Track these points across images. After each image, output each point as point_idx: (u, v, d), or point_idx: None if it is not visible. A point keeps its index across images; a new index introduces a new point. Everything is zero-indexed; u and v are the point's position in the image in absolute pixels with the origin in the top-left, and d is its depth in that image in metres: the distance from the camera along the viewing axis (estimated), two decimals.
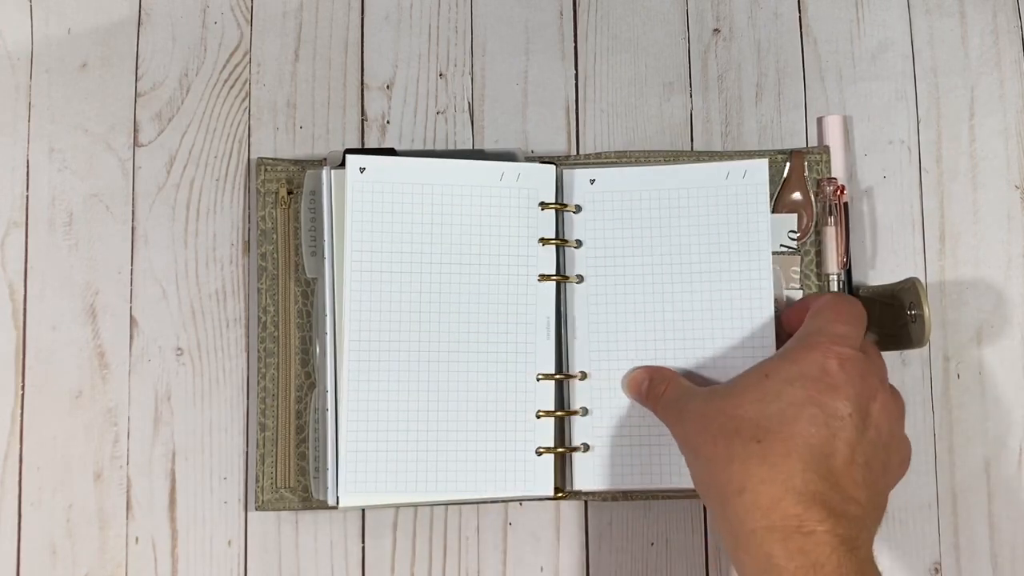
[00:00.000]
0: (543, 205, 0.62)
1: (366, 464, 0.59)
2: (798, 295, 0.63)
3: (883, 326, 0.61)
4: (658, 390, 0.58)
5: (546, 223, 0.62)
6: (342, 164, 0.61)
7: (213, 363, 0.64)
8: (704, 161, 0.64)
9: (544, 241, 0.62)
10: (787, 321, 0.60)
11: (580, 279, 0.62)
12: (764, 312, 0.61)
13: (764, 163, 0.62)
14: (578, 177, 0.63)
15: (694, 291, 0.61)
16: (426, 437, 0.60)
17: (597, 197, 0.62)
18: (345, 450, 0.59)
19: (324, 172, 0.61)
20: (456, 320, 0.61)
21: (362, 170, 0.61)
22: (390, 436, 0.60)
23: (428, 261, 0.61)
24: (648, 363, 0.61)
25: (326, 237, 0.61)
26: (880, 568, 0.63)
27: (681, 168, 0.62)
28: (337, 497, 0.59)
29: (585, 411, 0.61)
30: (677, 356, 0.61)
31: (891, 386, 0.55)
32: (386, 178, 0.61)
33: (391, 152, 0.62)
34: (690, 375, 0.60)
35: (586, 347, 0.61)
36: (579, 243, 0.62)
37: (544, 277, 0.62)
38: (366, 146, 0.66)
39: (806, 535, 0.48)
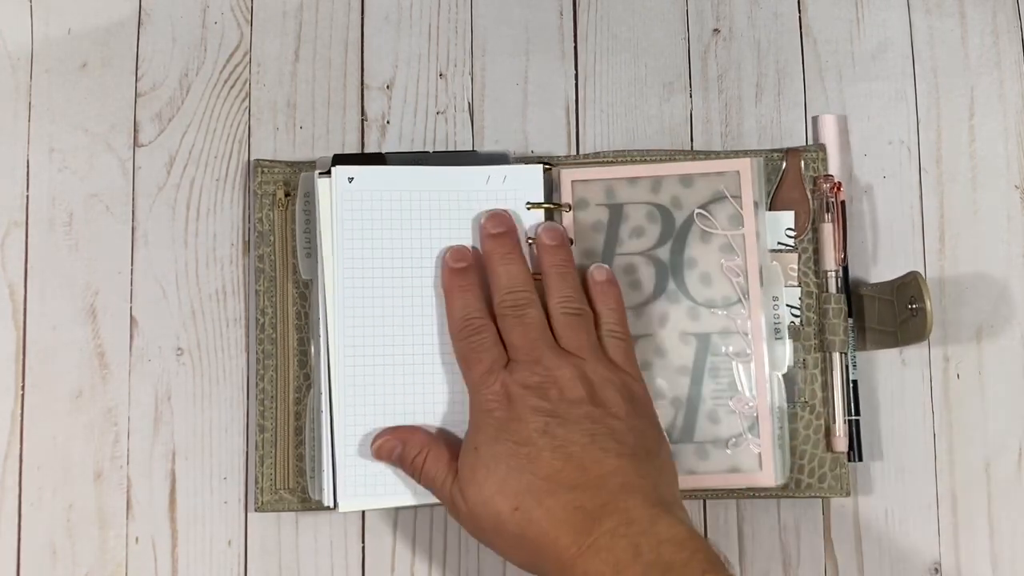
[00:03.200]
0: (531, 205, 0.62)
1: (364, 468, 0.59)
2: (795, 292, 0.63)
3: (884, 323, 0.61)
4: (417, 462, 0.57)
5: (535, 223, 0.62)
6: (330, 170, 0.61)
7: (213, 363, 0.64)
8: (701, 160, 0.64)
9: (534, 241, 0.62)
10: None
11: None
12: None
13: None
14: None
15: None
16: None
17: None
18: (343, 455, 0.59)
19: (314, 178, 0.61)
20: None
21: (350, 180, 0.61)
22: None
23: (420, 266, 0.61)
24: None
25: (318, 240, 0.61)
26: (880, 568, 0.63)
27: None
28: (336, 502, 0.59)
29: None
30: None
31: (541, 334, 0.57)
32: (374, 187, 0.61)
33: (379, 157, 0.63)
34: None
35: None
36: (571, 242, 0.62)
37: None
38: (366, 146, 0.66)
39: (594, 550, 0.50)
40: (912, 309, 0.59)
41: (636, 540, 0.50)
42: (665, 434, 0.58)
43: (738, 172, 0.63)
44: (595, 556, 0.50)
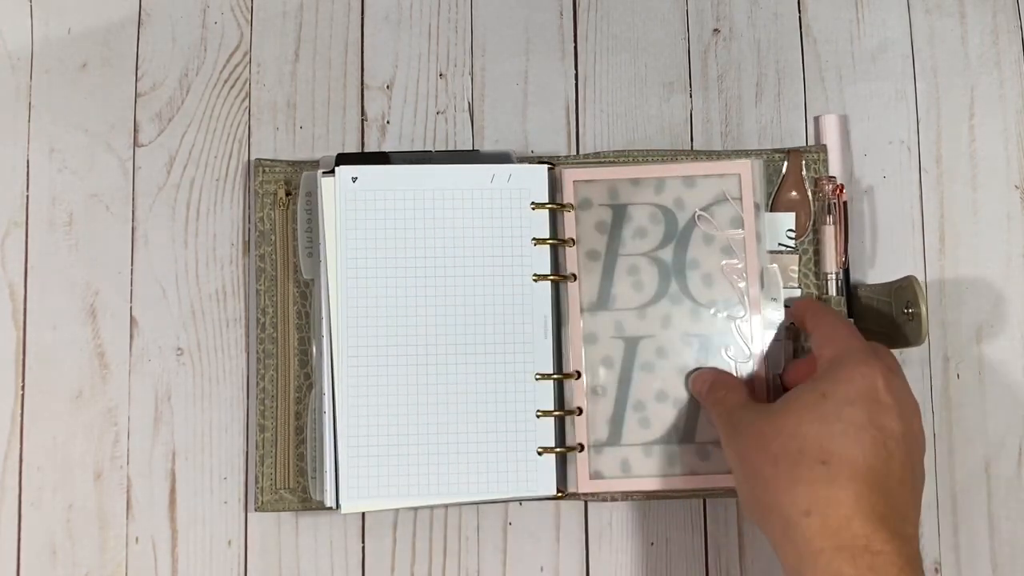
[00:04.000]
0: (535, 205, 0.62)
1: (367, 470, 0.59)
2: (796, 294, 0.63)
3: (881, 325, 0.61)
4: (718, 395, 0.58)
5: (539, 223, 0.62)
6: (334, 170, 0.61)
7: (213, 363, 0.64)
8: (702, 160, 0.64)
9: (538, 241, 0.62)
10: (793, 377, 0.60)
11: (575, 278, 0.62)
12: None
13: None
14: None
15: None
16: (426, 440, 0.60)
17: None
18: (346, 456, 0.59)
19: (316, 177, 0.61)
20: (453, 322, 0.61)
21: (354, 179, 0.61)
22: (390, 441, 0.60)
23: (423, 265, 0.61)
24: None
25: (321, 240, 0.61)
26: None
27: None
28: (338, 503, 0.59)
29: (580, 410, 0.61)
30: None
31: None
32: (377, 186, 0.61)
33: (383, 156, 0.63)
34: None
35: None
36: (573, 242, 0.63)
37: (539, 277, 0.62)
38: (366, 146, 0.66)
39: (875, 554, 0.48)
40: (908, 313, 0.59)
41: None
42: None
43: (739, 175, 0.63)
44: None
